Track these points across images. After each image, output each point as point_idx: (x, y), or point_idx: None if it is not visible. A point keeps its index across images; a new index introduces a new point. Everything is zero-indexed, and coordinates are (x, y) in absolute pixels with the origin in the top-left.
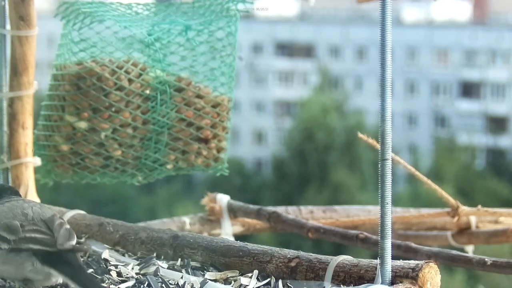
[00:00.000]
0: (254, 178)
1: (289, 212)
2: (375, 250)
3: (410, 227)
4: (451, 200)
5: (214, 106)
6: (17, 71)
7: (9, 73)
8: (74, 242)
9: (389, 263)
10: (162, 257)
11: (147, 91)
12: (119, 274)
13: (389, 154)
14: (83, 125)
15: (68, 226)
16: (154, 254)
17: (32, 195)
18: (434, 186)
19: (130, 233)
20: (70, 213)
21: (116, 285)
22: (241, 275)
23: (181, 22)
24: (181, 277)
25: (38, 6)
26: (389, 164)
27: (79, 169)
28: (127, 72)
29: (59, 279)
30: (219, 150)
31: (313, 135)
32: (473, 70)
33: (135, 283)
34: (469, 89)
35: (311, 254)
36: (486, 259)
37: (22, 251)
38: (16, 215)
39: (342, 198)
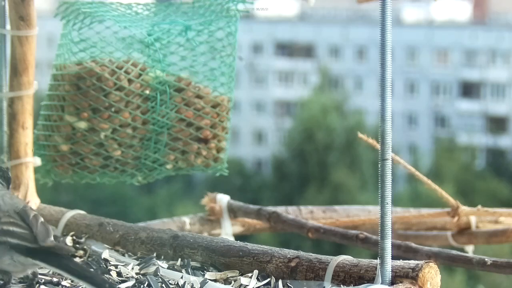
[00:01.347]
0: (254, 178)
1: (289, 212)
2: (375, 250)
3: (410, 227)
4: (451, 200)
5: (214, 106)
6: (17, 71)
7: (9, 73)
8: (52, 238)
9: (389, 263)
10: (162, 257)
11: (147, 91)
12: (119, 274)
13: (389, 154)
14: (82, 125)
15: (42, 220)
16: (154, 254)
17: (32, 195)
18: (434, 186)
19: (130, 233)
20: (70, 213)
21: (116, 285)
22: (241, 275)
23: (181, 22)
24: (181, 277)
25: (38, 6)
26: (389, 164)
27: (79, 169)
28: (127, 72)
29: (35, 269)
30: (219, 150)
31: (313, 135)
32: (473, 70)
33: (135, 283)
34: (469, 89)
35: (311, 254)
36: (486, 259)
37: None
38: None
39: (342, 198)
